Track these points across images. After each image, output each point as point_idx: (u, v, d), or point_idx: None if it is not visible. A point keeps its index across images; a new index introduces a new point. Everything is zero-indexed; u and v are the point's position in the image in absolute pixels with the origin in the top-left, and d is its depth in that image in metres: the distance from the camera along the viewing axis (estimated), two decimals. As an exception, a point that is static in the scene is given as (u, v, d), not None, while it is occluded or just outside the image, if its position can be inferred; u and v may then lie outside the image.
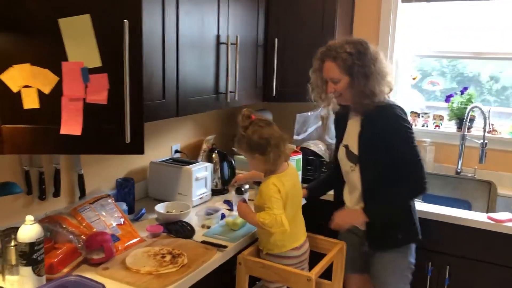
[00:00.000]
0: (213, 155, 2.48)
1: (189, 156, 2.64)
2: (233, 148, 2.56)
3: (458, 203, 2.65)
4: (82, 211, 1.75)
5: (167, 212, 2.08)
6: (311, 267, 1.86)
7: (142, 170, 2.39)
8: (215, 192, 2.42)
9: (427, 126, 2.93)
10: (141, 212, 2.07)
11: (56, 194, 1.88)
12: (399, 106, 1.91)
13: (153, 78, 1.77)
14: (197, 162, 2.36)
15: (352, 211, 1.98)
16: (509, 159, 2.71)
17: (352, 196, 2.00)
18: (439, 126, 2.89)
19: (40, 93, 1.27)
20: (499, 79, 2.82)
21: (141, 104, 1.32)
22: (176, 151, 2.57)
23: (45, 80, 1.27)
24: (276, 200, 1.73)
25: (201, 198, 2.28)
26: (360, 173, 1.91)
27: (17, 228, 1.63)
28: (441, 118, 2.89)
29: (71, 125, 1.29)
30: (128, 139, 1.32)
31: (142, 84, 1.31)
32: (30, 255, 1.37)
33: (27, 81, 1.25)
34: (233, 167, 2.45)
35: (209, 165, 2.34)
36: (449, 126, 2.89)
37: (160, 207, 2.07)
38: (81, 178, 1.98)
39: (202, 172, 2.27)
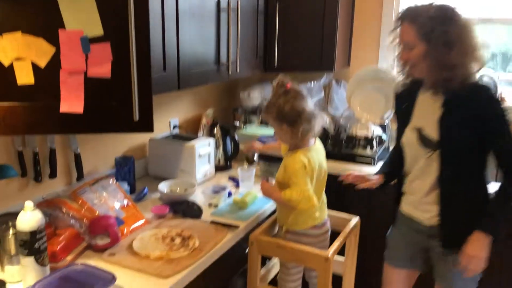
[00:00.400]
0: (215, 130, 2.36)
1: (188, 131, 2.52)
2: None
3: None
4: (82, 193, 1.63)
5: (171, 191, 1.97)
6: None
7: (141, 147, 2.26)
8: (218, 168, 2.31)
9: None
10: (144, 192, 1.96)
11: (52, 175, 1.75)
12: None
13: (153, 49, 1.63)
14: (199, 137, 2.24)
15: (476, 243, 1.56)
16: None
17: (421, 186, 1.68)
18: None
19: (35, 67, 1.12)
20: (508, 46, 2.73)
21: (149, 77, 1.19)
22: (175, 127, 2.44)
23: (39, 51, 1.12)
24: (303, 175, 1.66)
25: (204, 175, 2.17)
26: (441, 161, 1.59)
27: (13, 214, 1.51)
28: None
29: (72, 102, 1.15)
30: (136, 116, 1.18)
31: (150, 54, 1.17)
32: (32, 245, 1.25)
33: (19, 53, 1.10)
34: (236, 142, 2.34)
35: (211, 141, 2.22)
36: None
37: (163, 186, 1.96)
38: (78, 157, 1.85)
39: (205, 148, 2.16)
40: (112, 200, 1.68)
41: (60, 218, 1.52)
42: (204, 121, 2.55)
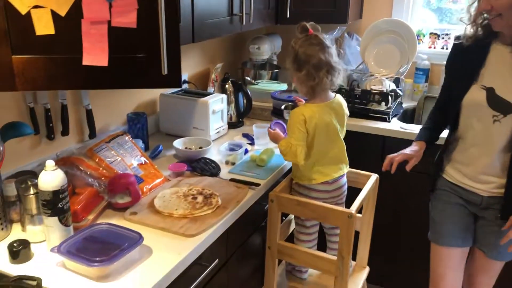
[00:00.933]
0: (227, 85, 2.28)
1: (197, 86, 2.44)
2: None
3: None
4: (98, 151, 1.58)
5: (186, 148, 1.92)
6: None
7: (151, 103, 2.19)
8: (230, 125, 2.25)
9: (447, 49, 2.75)
10: (158, 149, 1.90)
11: (65, 132, 1.69)
12: None
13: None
14: (211, 93, 2.17)
15: None
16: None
17: (480, 154, 1.56)
18: (460, 48, 2.72)
19: (55, 15, 1.03)
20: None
21: (178, 27, 1.10)
22: (185, 81, 2.36)
23: None
24: (298, 130, 1.62)
25: (218, 132, 2.12)
26: None
27: (29, 172, 1.47)
28: (463, 39, 2.70)
29: (95, 54, 1.06)
30: (165, 70, 1.10)
31: (178, 2, 1.08)
32: (55, 205, 1.20)
33: (36, 0, 1.00)
34: (249, 97, 2.26)
35: (224, 97, 2.15)
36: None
37: (178, 143, 1.91)
38: (89, 114, 1.78)
39: (218, 105, 2.09)
40: (129, 158, 1.63)
41: (78, 176, 1.47)
42: (213, 76, 2.47)
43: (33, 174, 1.49)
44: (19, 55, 1.01)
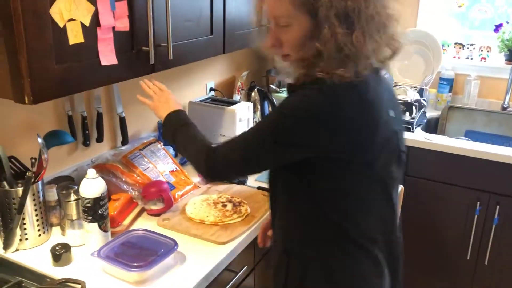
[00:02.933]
0: (253, 94, 2.33)
1: (224, 94, 2.49)
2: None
3: (504, 140, 2.56)
4: (133, 158, 1.64)
5: (213, 155, 1.97)
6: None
7: (180, 111, 2.25)
8: (256, 132, 2.29)
9: (471, 59, 2.76)
10: (187, 156, 1.95)
11: (100, 139, 1.75)
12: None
13: (201, 13, 1.61)
14: (238, 101, 2.21)
15: None
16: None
17: None
18: (485, 59, 2.73)
19: (82, 26, 1.15)
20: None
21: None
22: (211, 89, 2.41)
23: (84, 10, 1.15)
24: None
25: (244, 139, 2.16)
26: None
27: (67, 178, 1.54)
28: (488, 49, 2.71)
29: (108, 55, 1.23)
30: (152, 60, 1.34)
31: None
32: (95, 211, 1.27)
33: (71, 14, 1.11)
34: (274, 105, 2.30)
35: (250, 105, 2.19)
36: (496, 59, 2.72)
37: (206, 151, 1.96)
38: (123, 121, 1.84)
39: (245, 113, 2.13)
40: (161, 165, 1.69)
41: (113, 183, 1.54)
42: (238, 83, 2.52)
43: (71, 180, 1.56)
44: (60, 64, 1.10)
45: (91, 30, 1.18)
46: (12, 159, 1.33)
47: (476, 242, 2.31)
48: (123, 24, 1.28)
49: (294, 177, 1.10)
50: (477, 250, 2.32)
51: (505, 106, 2.63)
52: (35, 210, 1.31)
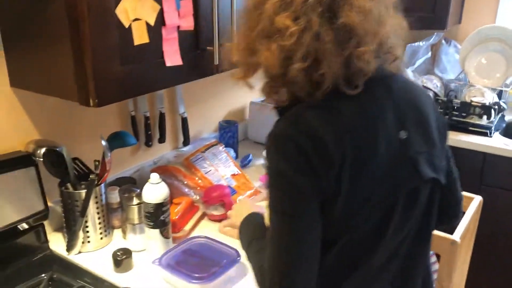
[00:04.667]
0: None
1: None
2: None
3: None
4: (195, 160, 1.59)
5: (275, 158, 1.89)
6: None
7: (241, 111, 2.19)
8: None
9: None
10: (248, 159, 1.90)
11: (162, 139, 1.72)
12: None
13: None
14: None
15: None
16: None
17: None
18: None
19: (147, 26, 1.11)
20: None
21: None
22: (273, 89, 2.34)
23: (150, 9, 1.10)
24: None
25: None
26: None
27: (129, 179, 1.52)
28: None
29: (173, 55, 1.18)
30: (216, 60, 1.28)
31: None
32: (157, 217, 1.22)
33: (136, 13, 1.07)
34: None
35: (315, 106, 2.10)
36: None
37: (268, 153, 1.88)
38: (185, 122, 1.80)
39: (309, 114, 2.04)
40: (222, 168, 1.64)
41: (175, 186, 1.50)
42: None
43: (133, 181, 1.54)
44: (125, 65, 1.06)
45: (156, 30, 1.14)
46: (76, 161, 1.32)
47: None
48: (188, 23, 1.23)
49: None
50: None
51: None
52: (98, 213, 1.29)
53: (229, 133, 1.92)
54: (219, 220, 1.46)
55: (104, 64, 1.03)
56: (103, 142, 1.23)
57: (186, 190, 1.50)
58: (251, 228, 1.04)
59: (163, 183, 1.24)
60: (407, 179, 0.86)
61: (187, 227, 1.41)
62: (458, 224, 1.19)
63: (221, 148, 1.70)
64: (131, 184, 1.45)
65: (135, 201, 1.30)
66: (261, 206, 1.17)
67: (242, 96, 2.16)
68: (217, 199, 1.45)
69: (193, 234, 1.41)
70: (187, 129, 1.81)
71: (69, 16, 0.99)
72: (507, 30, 2.28)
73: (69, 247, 1.28)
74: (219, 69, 1.36)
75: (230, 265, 1.16)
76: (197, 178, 1.54)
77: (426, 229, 0.97)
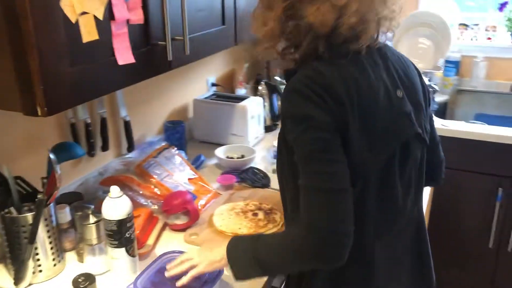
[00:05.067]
0: (260, 87, 2.17)
1: (227, 89, 2.32)
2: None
3: (517, 122, 2.48)
4: (147, 167, 1.46)
5: (227, 157, 1.81)
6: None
7: (183, 110, 2.07)
8: (265, 129, 2.14)
9: (476, 39, 2.67)
10: (200, 160, 1.79)
11: (105, 147, 1.57)
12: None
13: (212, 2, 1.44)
14: (246, 96, 2.05)
15: None
16: None
17: None
18: (491, 39, 2.64)
19: (96, 21, 0.97)
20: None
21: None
22: (213, 84, 2.24)
23: (97, 2, 0.97)
24: None
25: (256, 138, 2.01)
26: None
27: (75, 194, 1.36)
28: (494, 29, 2.62)
29: (124, 53, 1.05)
30: (170, 56, 1.17)
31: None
32: (122, 235, 1.09)
33: (83, 7, 0.93)
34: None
35: (260, 100, 2.04)
36: (502, 38, 2.63)
37: (220, 152, 1.79)
38: (127, 125, 1.66)
39: (256, 108, 1.98)
40: (178, 172, 1.52)
41: (130, 197, 1.34)
42: (240, 77, 2.35)
43: (80, 196, 1.38)
44: (75, 66, 0.92)
45: (104, 25, 1.01)
46: (18, 180, 1.14)
47: (498, 229, 2.23)
48: (138, 16, 1.10)
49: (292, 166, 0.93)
50: (499, 238, 2.24)
51: (514, 86, 2.56)
52: (49, 237, 1.13)
53: (177, 134, 1.80)
54: (183, 229, 1.36)
55: (52, 66, 0.89)
56: (52, 156, 1.07)
57: (143, 200, 1.37)
58: (246, 237, 1.05)
59: (124, 196, 1.11)
60: (403, 131, 0.95)
61: (150, 241, 1.28)
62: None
63: (173, 151, 1.58)
64: (81, 201, 1.29)
65: (92, 219, 1.15)
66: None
67: (183, 95, 2.04)
68: (180, 206, 1.34)
69: (157, 248, 1.29)
70: (130, 133, 1.67)
71: (8, 13, 0.83)
72: (434, 16, 2.38)
73: (17, 280, 1.11)
74: (172, 65, 1.25)
75: (213, 280, 1.06)
76: (152, 186, 1.42)
77: (418, 186, 1.06)
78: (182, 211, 1.35)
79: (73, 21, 0.93)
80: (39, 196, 1.08)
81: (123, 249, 1.11)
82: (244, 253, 0.95)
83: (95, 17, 0.98)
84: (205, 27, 1.42)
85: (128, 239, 1.11)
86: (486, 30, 2.64)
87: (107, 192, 1.45)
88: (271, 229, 1.34)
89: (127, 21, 1.07)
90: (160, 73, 1.23)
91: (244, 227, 1.34)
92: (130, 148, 1.68)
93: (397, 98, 0.94)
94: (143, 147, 1.72)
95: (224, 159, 1.75)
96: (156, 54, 1.19)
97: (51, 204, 1.13)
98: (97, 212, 1.15)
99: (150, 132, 1.86)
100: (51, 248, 1.14)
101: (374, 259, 0.99)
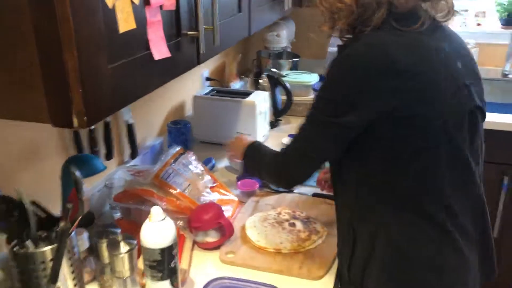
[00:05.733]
0: (261, 80, 2.00)
1: (223, 83, 2.14)
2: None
3: (510, 108, 2.46)
4: (166, 177, 1.26)
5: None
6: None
7: (180, 108, 1.87)
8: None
9: (465, 26, 2.62)
10: (211, 163, 1.61)
11: (109, 156, 1.36)
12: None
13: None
14: (251, 91, 1.88)
15: None
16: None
17: None
18: (480, 25, 2.60)
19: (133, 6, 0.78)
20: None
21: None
22: (208, 79, 2.05)
23: None
24: None
25: (264, 136, 1.85)
26: None
27: (89, 215, 1.15)
28: (483, 15, 2.59)
29: (159, 46, 0.87)
30: (203, 49, 1.00)
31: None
32: (167, 265, 0.91)
33: None
34: (289, 92, 1.98)
35: (266, 94, 1.87)
36: (491, 24, 2.60)
37: (232, 155, 1.62)
38: (131, 129, 1.45)
39: (263, 104, 1.81)
40: (198, 181, 1.33)
41: (152, 214, 1.16)
42: (234, 70, 2.18)
43: (91, 216, 1.17)
44: (114, 63, 0.72)
45: (140, 12, 0.81)
46: (33, 205, 0.92)
47: (503, 218, 2.20)
48: (170, 1, 0.91)
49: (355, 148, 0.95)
50: (504, 227, 2.22)
51: (505, 72, 2.53)
52: (72, 272, 0.92)
53: (182, 136, 1.61)
54: (215, 248, 1.18)
55: (92, 62, 0.69)
56: (77, 173, 0.86)
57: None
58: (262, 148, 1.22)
59: (168, 218, 0.92)
60: (468, 101, 0.95)
61: (184, 265, 1.10)
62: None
63: (190, 156, 1.38)
64: (103, 225, 1.09)
65: (124, 247, 0.95)
66: None
67: (178, 91, 1.84)
68: (213, 222, 1.16)
69: (192, 272, 1.10)
70: (134, 138, 1.46)
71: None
72: None
73: (36, 329, 0.90)
74: (201, 59, 1.07)
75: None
76: (175, 199, 1.22)
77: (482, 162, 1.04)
78: (215, 226, 1.17)
79: (110, 6, 0.73)
80: (61, 224, 0.87)
81: (167, 282, 0.92)
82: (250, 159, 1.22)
83: (132, 2, 0.78)
84: (225, 15, 1.24)
85: (172, 269, 0.92)
86: (476, 15, 2.60)
87: (115, 208, 1.27)
88: (315, 241, 1.19)
89: (161, 7, 0.88)
90: (190, 68, 1.04)
91: (286, 241, 1.19)
92: (134, 154, 1.48)
93: (458, 70, 0.95)
94: (146, 153, 1.53)
95: (237, 162, 1.58)
96: (187, 47, 1.00)
97: (73, 233, 0.92)
98: (129, 238, 0.96)
99: (150, 134, 1.66)
100: (75, 285, 0.94)
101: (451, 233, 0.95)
